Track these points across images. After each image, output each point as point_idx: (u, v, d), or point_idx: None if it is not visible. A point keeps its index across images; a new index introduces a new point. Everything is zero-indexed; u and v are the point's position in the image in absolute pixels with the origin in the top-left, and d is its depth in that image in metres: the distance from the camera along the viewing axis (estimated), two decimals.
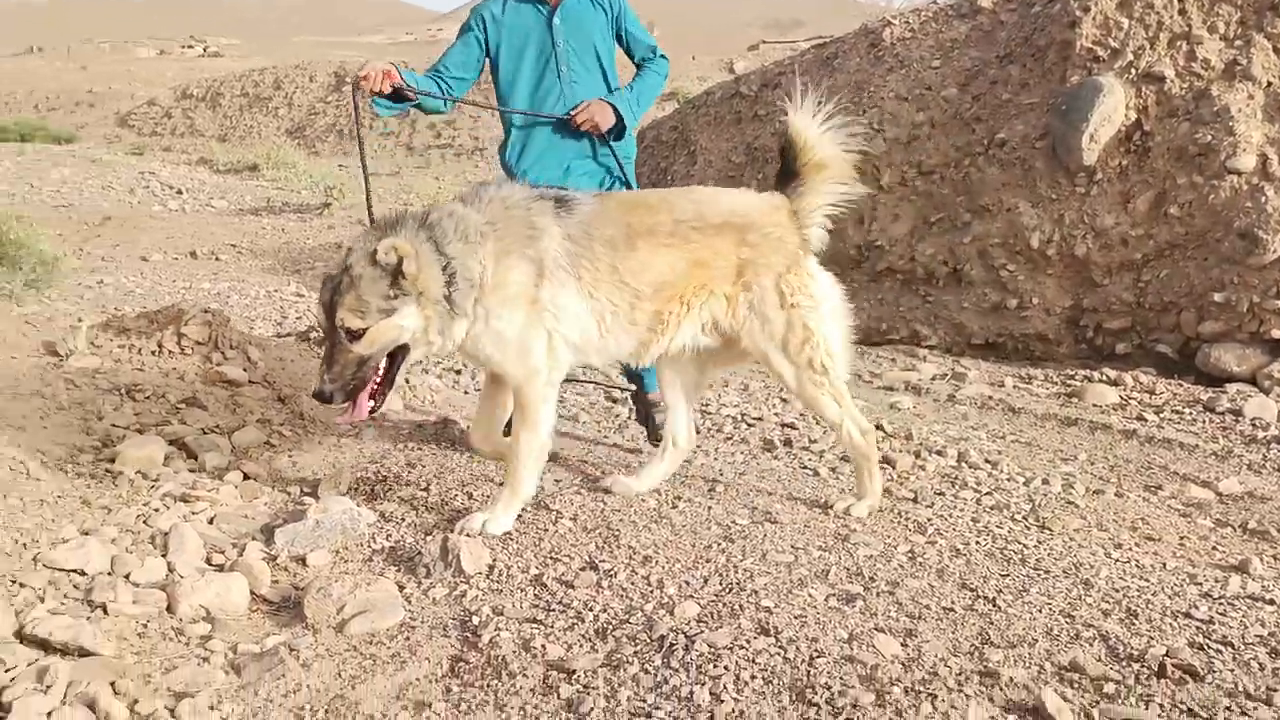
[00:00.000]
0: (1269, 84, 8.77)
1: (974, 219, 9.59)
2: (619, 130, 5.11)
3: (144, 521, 3.93)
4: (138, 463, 4.44)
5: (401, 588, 3.60)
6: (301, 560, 3.81)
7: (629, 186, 5.25)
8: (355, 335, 3.72)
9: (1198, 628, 3.41)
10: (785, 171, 4.49)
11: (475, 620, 3.33)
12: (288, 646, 3.16)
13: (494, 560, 3.75)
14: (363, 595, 3.42)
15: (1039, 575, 3.89)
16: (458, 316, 3.87)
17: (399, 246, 3.70)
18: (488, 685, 2.97)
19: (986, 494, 5.13)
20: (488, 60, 5.14)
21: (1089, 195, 9.00)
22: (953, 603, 3.54)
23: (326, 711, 2.85)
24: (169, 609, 3.37)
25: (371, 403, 3.89)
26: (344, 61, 39.13)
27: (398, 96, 4.87)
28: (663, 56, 5.34)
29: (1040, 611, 3.50)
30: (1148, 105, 9.16)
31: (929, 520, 4.53)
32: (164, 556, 3.66)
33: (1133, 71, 9.37)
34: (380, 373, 3.88)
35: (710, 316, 4.32)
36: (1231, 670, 3.07)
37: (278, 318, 9.29)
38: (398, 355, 3.87)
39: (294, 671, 3.02)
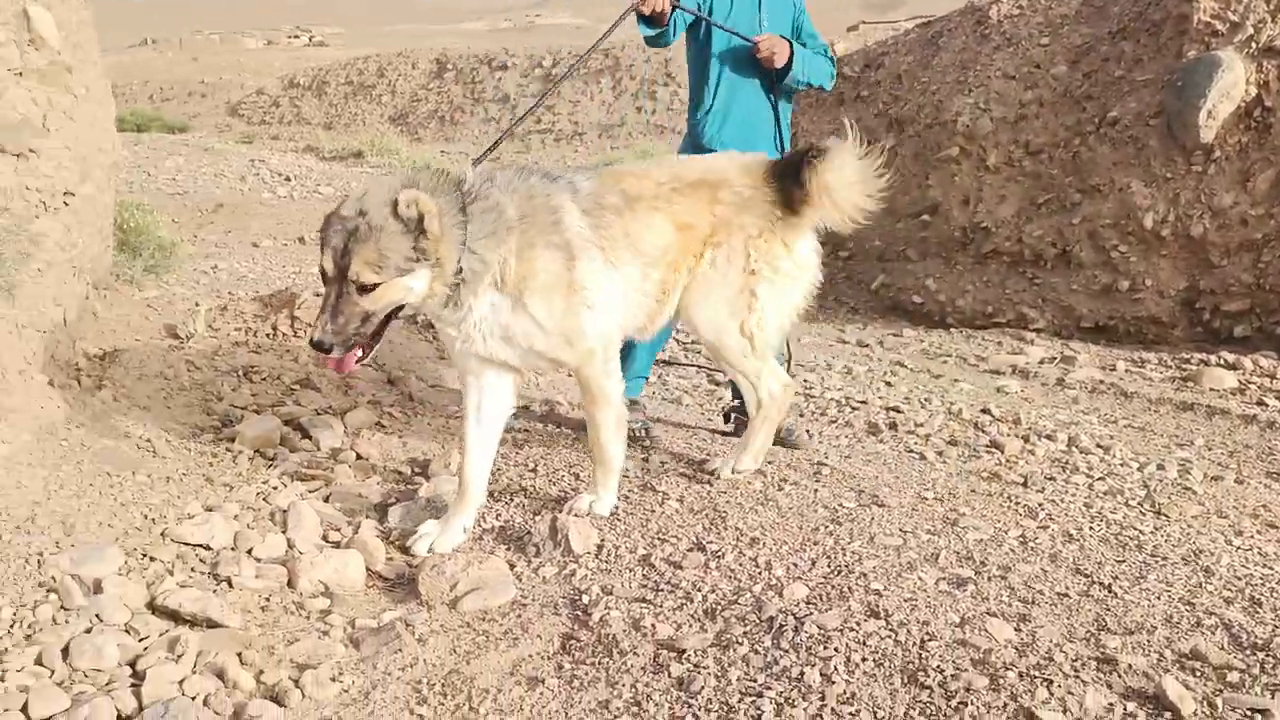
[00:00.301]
0: None
1: (1084, 199, 9.36)
2: (784, 73, 5.11)
3: (263, 499, 4.05)
4: (255, 442, 4.57)
5: (512, 566, 3.66)
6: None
7: (781, 151, 5.26)
8: (366, 289, 3.48)
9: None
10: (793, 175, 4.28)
11: (585, 599, 3.37)
12: (404, 622, 3.23)
13: (602, 540, 3.79)
14: (475, 573, 3.48)
15: (1156, 562, 3.80)
16: (459, 302, 3.71)
17: (420, 201, 3.49)
18: (599, 663, 3.00)
19: (1099, 479, 5.02)
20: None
21: (1206, 174, 8.73)
22: (1067, 588, 3.48)
23: (443, 685, 2.92)
24: (289, 583, 3.47)
25: (359, 353, 3.63)
26: (445, 49, 39.59)
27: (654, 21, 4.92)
28: (832, 60, 5.40)
29: (1159, 599, 3.42)
30: (1269, 80, 8.84)
31: (1040, 505, 4.46)
32: (283, 533, 3.76)
33: (1253, 46, 9.05)
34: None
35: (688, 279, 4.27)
36: None
37: None
38: (394, 314, 3.67)
39: (410, 646, 3.09)
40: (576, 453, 4.86)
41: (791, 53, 5.05)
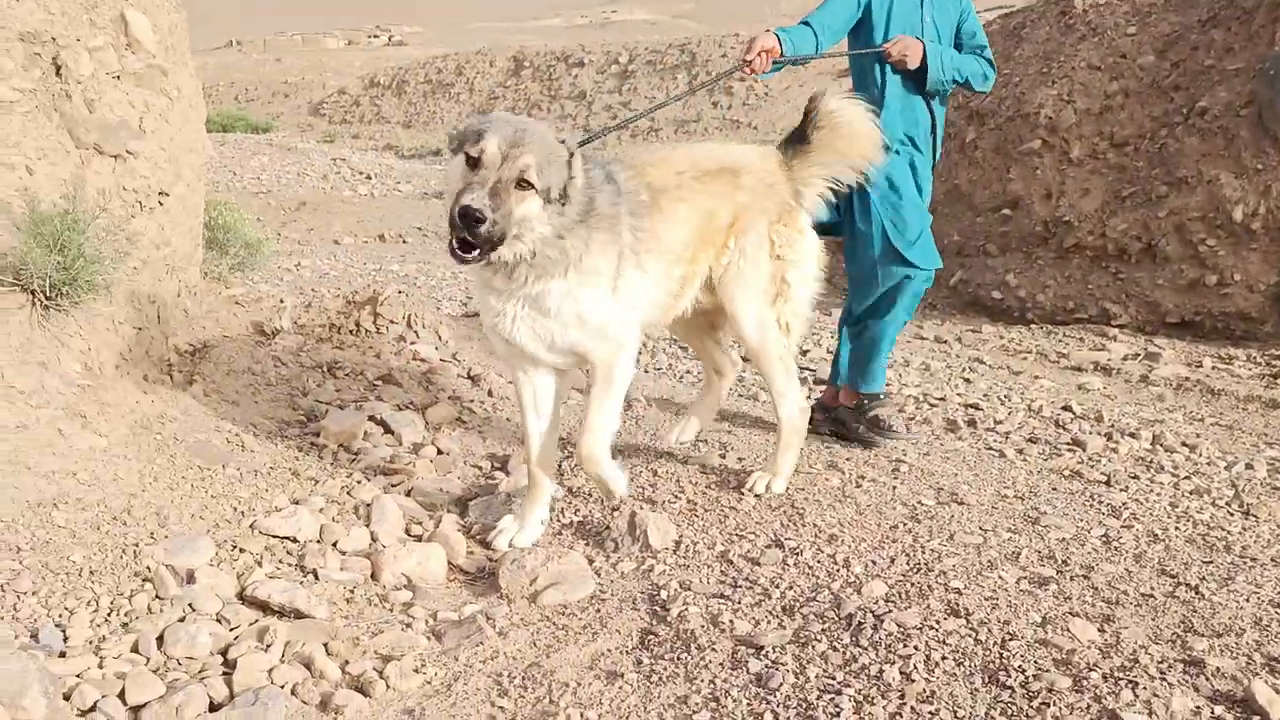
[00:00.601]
0: None
1: (1170, 192, 9.17)
2: (923, 74, 5.01)
3: (348, 493, 4.13)
4: (340, 437, 4.66)
5: (591, 561, 3.69)
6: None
7: (935, 153, 5.24)
8: (525, 187, 3.43)
9: None
10: (797, 136, 4.48)
11: (663, 594, 3.40)
12: (485, 615, 3.28)
13: (680, 536, 3.82)
14: (554, 568, 3.52)
15: (1245, 563, 3.73)
16: (525, 277, 3.65)
17: (569, 142, 3.61)
18: (677, 658, 3.02)
19: (1185, 478, 4.93)
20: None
21: None
22: (1152, 589, 3.43)
23: (523, 678, 2.96)
24: (373, 576, 3.55)
25: (477, 253, 3.47)
26: (522, 46, 39.88)
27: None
28: (990, 62, 5.27)
29: (1248, 601, 3.36)
30: None
31: (1124, 504, 4.39)
32: (367, 526, 3.84)
33: None
34: None
35: (707, 270, 4.25)
36: None
37: (463, 298, 9.58)
38: None
39: (491, 639, 3.14)
40: (655, 450, 4.89)
41: (925, 52, 4.95)
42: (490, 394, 5.67)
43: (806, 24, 4.95)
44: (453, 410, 5.29)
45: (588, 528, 3.96)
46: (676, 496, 4.24)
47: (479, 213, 3.30)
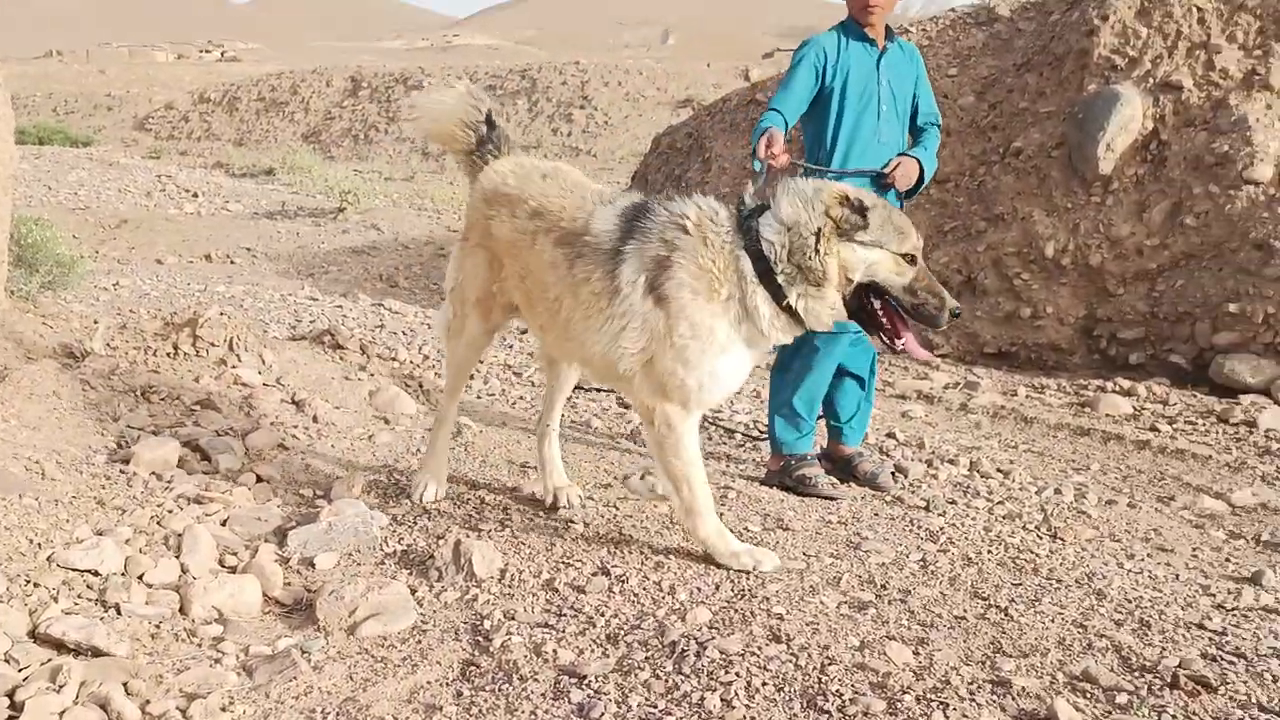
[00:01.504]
0: None
1: (989, 227, 9.57)
2: (915, 190, 5.16)
3: (158, 523, 3.95)
4: (152, 464, 4.45)
5: (413, 591, 3.61)
6: (313, 563, 3.82)
7: None
8: None
9: (1210, 639, 3.40)
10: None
11: (487, 624, 3.34)
12: (299, 648, 3.17)
13: (506, 565, 3.76)
14: (375, 598, 3.43)
15: (1051, 585, 3.88)
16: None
17: None
18: (499, 689, 2.97)
19: (999, 503, 5.12)
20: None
21: (1105, 204, 8.99)
22: (965, 611, 3.54)
23: (337, 714, 2.86)
24: (182, 610, 3.39)
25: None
26: (360, 67, 39.26)
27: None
28: (939, 128, 5.39)
29: (1053, 621, 3.49)
30: (1165, 114, 9.14)
31: (941, 529, 4.53)
32: (177, 558, 3.67)
33: (1150, 80, 9.35)
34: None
35: None
36: (1245, 682, 3.05)
37: (292, 321, 9.32)
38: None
39: (305, 674, 3.03)
40: (482, 475, 4.82)
41: (921, 170, 5.06)
42: (315, 419, 5.52)
43: (777, 111, 4.95)
44: (275, 436, 5.12)
45: (411, 557, 3.87)
46: (503, 524, 4.18)
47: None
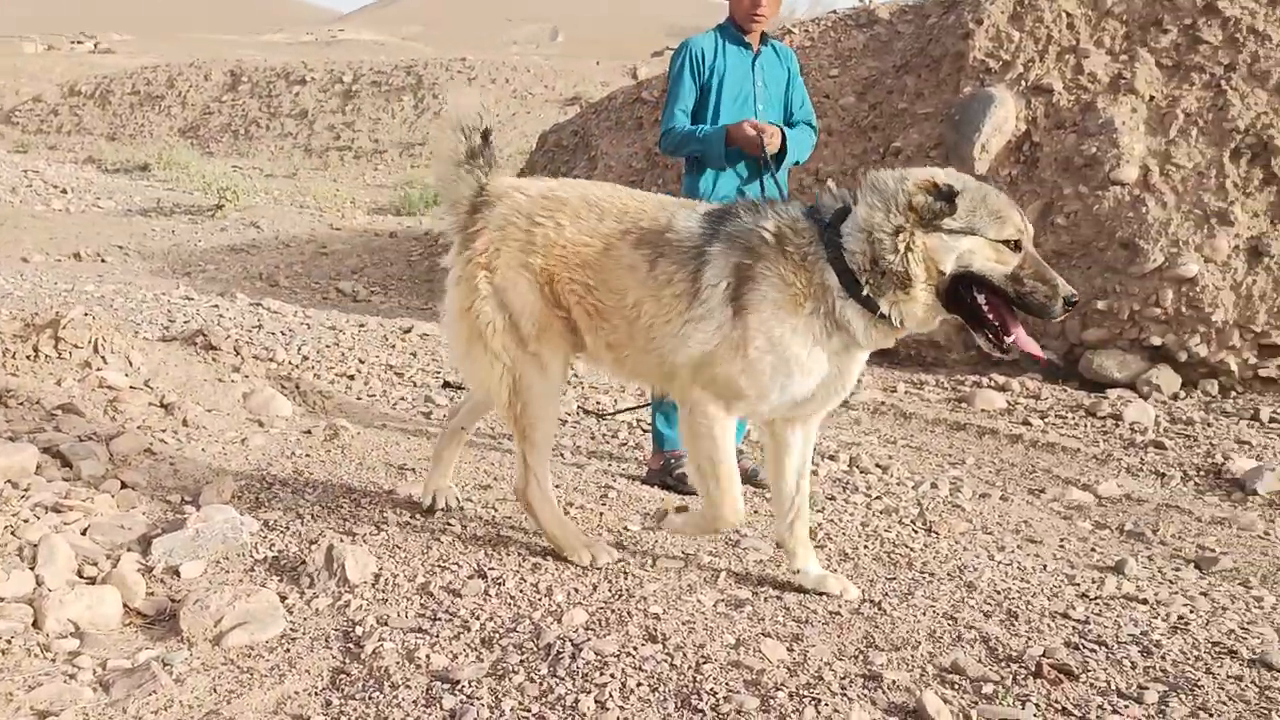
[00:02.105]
0: (1151, 98, 9.06)
1: None
2: (779, 160, 5.19)
3: (12, 533, 3.78)
4: (7, 471, 4.26)
5: (283, 598, 3.51)
6: (178, 572, 3.69)
7: None
8: None
9: (1074, 628, 3.49)
10: None
11: (359, 631, 3.26)
12: (160, 661, 3.06)
13: (380, 569, 3.69)
14: (242, 607, 3.33)
15: (924, 578, 3.94)
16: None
17: None
18: (369, 697, 2.90)
19: (876, 498, 5.20)
20: None
21: None
22: (839, 607, 3.57)
23: None
24: (36, 624, 3.24)
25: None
26: (240, 60, 38.35)
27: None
28: (814, 128, 5.49)
29: (925, 614, 3.55)
30: (1037, 116, 9.40)
31: (819, 525, 4.57)
32: (32, 569, 3.51)
33: (1023, 83, 9.61)
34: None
35: None
36: (1105, 669, 3.14)
37: (165, 321, 9.04)
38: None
39: (166, 687, 2.92)
40: (359, 479, 4.73)
41: (784, 141, 5.10)
42: (185, 423, 5.35)
43: (684, 113, 5.14)
44: (141, 440, 4.95)
45: (282, 563, 3.77)
46: (379, 528, 4.10)
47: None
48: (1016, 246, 3.27)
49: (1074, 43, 9.59)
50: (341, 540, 3.85)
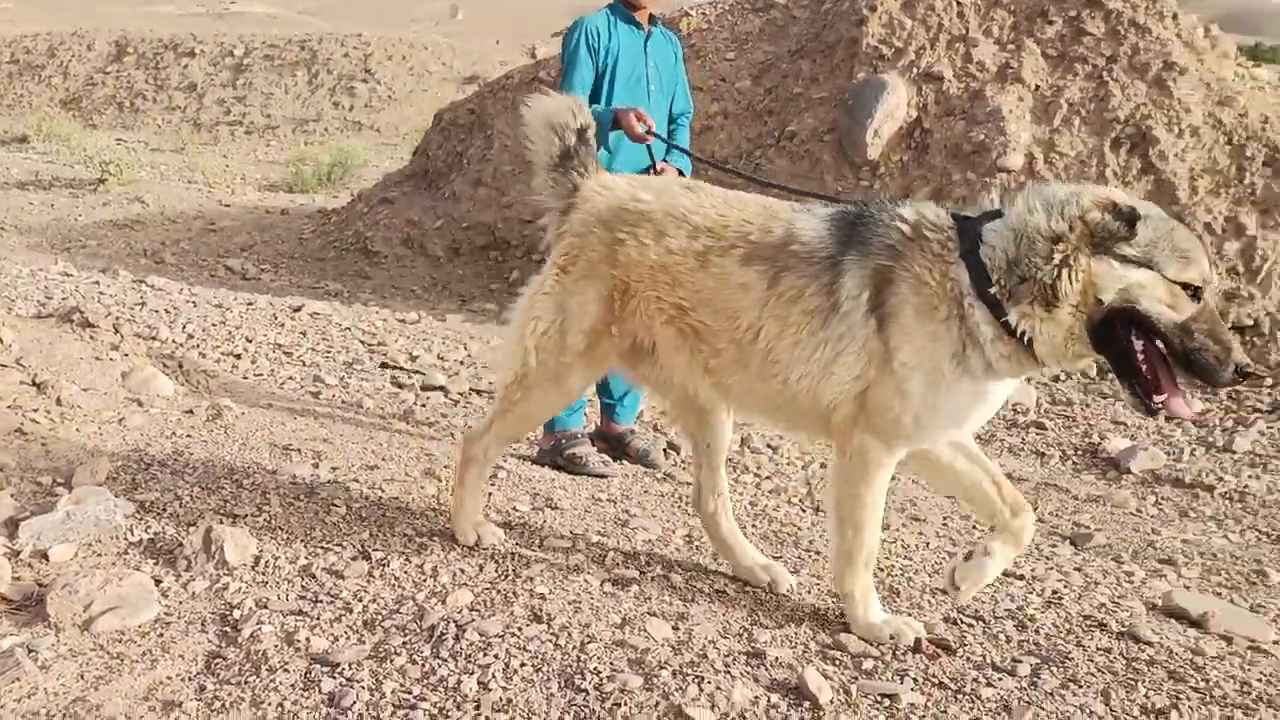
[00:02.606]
0: (1037, 87, 9.27)
1: None
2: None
3: None
4: None
5: (158, 581, 3.41)
6: (47, 555, 3.56)
7: None
8: None
9: (953, 604, 3.56)
10: None
11: (236, 614, 3.19)
12: (25, 648, 2.95)
13: (260, 551, 3.60)
14: (113, 591, 3.22)
15: (810, 556, 3.99)
16: None
17: None
18: (245, 681, 2.84)
19: (766, 478, 5.24)
20: None
21: (872, 188, 9.33)
22: (725, 585, 3.59)
23: (64, 715, 2.67)
24: None
25: None
26: (125, 31, 37.13)
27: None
28: (689, 119, 5.57)
29: (809, 592, 3.59)
30: (928, 103, 9.55)
31: None
32: None
33: (914, 70, 9.76)
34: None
35: None
36: (981, 643, 3.21)
37: (41, 298, 8.74)
38: None
39: (30, 674, 2.82)
40: (242, 459, 4.62)
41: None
42: (59, 402, 5.17)
43: (583, 88, 5.09)
44: (11, 420, 4.76)
45: (159, 546, 3.66)
46: (261, 509, 4.01)
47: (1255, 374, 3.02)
48: (1196, 295, 2.85)
49: (964, 32, 9.76)
50: (221, 522, 3.76)
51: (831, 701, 2.80)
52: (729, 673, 2.92)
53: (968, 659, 3.10)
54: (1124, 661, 3.20)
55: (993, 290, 2.94)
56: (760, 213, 3.43)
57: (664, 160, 5.12)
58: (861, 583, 3.25)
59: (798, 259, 3.24)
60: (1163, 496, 5.72)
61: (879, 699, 2.84)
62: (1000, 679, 2.99)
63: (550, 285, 3.65)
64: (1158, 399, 2.89)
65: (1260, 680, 3.20)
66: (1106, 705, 2.91)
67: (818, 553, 4.03)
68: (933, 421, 3.09)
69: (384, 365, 7.12)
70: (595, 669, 2.89)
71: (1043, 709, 2.85)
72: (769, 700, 2.80)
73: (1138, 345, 2.89)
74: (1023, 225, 2.95)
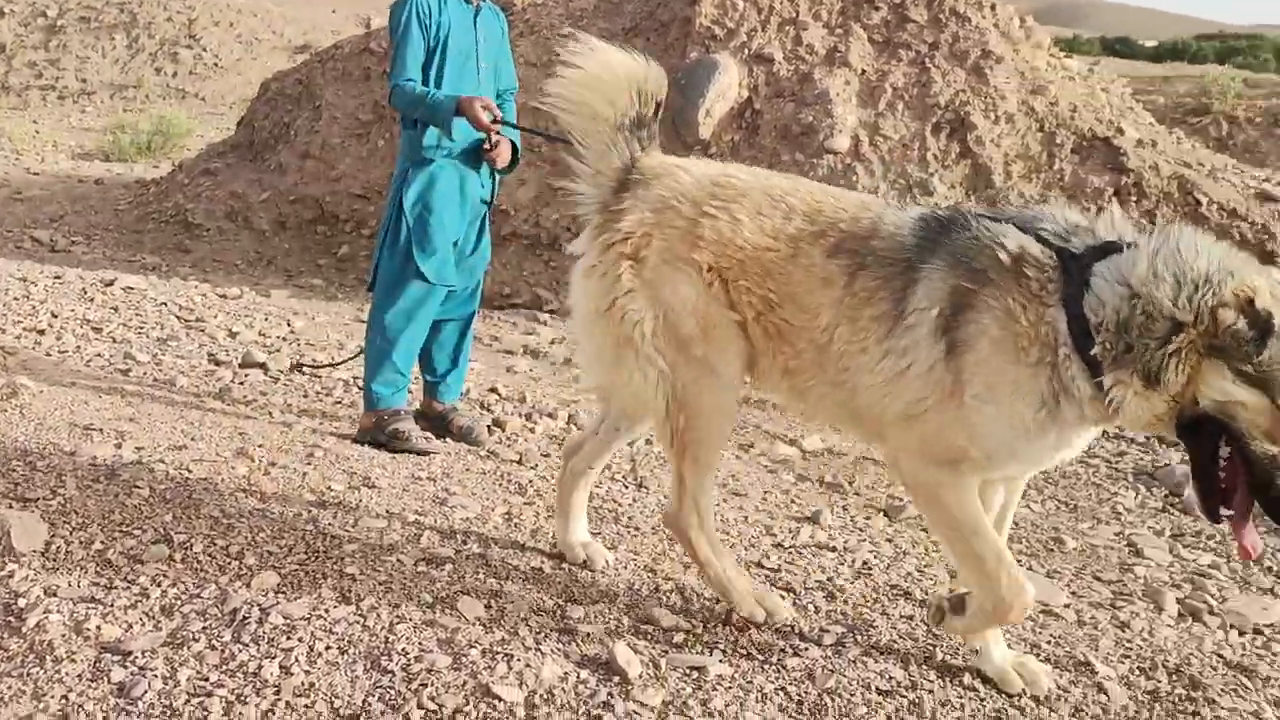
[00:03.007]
0: (863, 71, 9.48)
1: None
2: (509, 169, 5.31)
3: None
4: None
5: None
6: None
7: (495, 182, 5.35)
8: None
9: (766, 576, 3.63)
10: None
11: (22, 603, 3.01)
12: None
13: (52, 536, 3.42)
14: None
15: (629, 532, 4.00)
16: None
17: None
18: (27, 673, 2.69)
19: None
20: None
21: None
22: (542, 563, 3.57)
23: None
24: None
25: None
26: None
27: None
28: (514, 96, 5.47)
29: (626, 568, 3.60)
30: (758, 84, 9.67)
31: (530, 482, 4.57)
32: None
33: (746, 51, 9.87)
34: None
35: None
36: (791, 615, 3.27)
37: None
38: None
39: None
40: (38, 440, 4.38)
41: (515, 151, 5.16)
42: None
43: (413, 80, 4.96)
44: None
45: None
46: (55, 492, 3.81)
47: None
48: None
49: (794, 14, 9.91)
50: (10, 507, 3.56)
51: (640, 675, 2.81)
52: (539, 650, 2.91)
53: (776, 630, 3.15)
54: (925, 629, 3.31)
55: (1094, 351, 2.63)
56: (856, 203, 3.15)
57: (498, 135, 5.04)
58: (1013, 576, 2.86)
59: (876, 257, 2.94)
60: None
61: (688, 671, 2.87)
62: (806, 648, 3.05)
63: (629, 280, 3.17)
64: (1222, 513, 2.64)
65: (1049, 642, 3.35)
66: (905, 670, 3.00)
67: (638, 529, 4.04)
68: (1009, 460, 2.85)
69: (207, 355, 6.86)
70: (403, 649, 2.84)
71: (845, 676, 2.93)
72: (578, 676, 2.79)
73: (1224, 453, 2.61)
74: (1145, 292, 2.59)
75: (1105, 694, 3.02)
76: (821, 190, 3.21)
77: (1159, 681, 3.16)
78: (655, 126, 3.35)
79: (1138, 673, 3.20)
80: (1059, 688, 3.00)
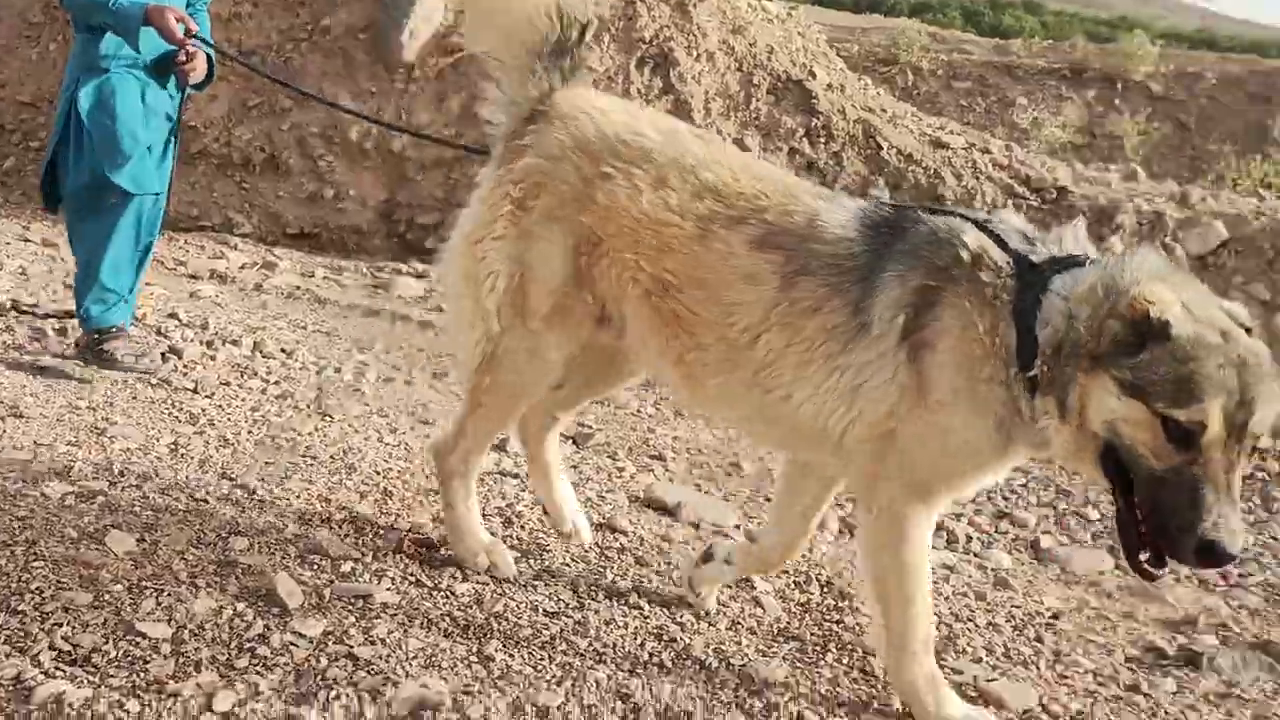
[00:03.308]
0: None
1: (294, 106, 9.38)
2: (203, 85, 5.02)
3: None
4: None
5: None
6: None
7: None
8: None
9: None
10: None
11: None
12: None
13: None
14: None
15: (306, 462, 3.88)
16: None
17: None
18: None
19: (275, 383, 5.04)
20: None
21: (407, 91, 9.19)
22: (208, 494, 3.41)
23: None
24: None
25: None
26: None
27: None
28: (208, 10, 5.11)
29: (298, 498, 3.48)
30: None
31: (203, 410, 4.36)
32: None
33: None
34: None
35: None
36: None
37: None
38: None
39: None
40: None
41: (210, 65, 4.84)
42: None
43: None
44: None
45: None
46: None
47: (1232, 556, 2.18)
48: (1187, 441, 2.17)
49: None
50: None
51: (302, 605, 2.72)
52: (194, 583, 2.77)
53: (447, 561, 3.13)
54: (598, 550, 3.37)
55: (1033, 372, 2.37)
56: (780, 188, 2.80)
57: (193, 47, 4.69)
58: (924, 669, 2.61)
59: (821, 262, 2.63)
60: (662, 398, 6.08)
61: (352, 600, 2.80)
62: (477, 575, 3.04)
63: (504, 226, 2.92)
64: (1137, 559, 2.31)
65: None
66: (574, 593, 3.05)
67: (315, 458, 3.92)
68: (965, 474, 2.58)
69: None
70: (38, 588, 2.64)
71: (513, 600, 2.94)
72: (235, 609, 2.67)
73: (1134, 486, 2.29)
74: (1079, 309, 2.34)
75: (761, 606, 3.17)
76: (742, 164, 2.91)
77: (811, 594, 3.34)
78: (579, 56, 3.06)
79: (794, 587, 3.37)
80: (719, 604, 3.12)
